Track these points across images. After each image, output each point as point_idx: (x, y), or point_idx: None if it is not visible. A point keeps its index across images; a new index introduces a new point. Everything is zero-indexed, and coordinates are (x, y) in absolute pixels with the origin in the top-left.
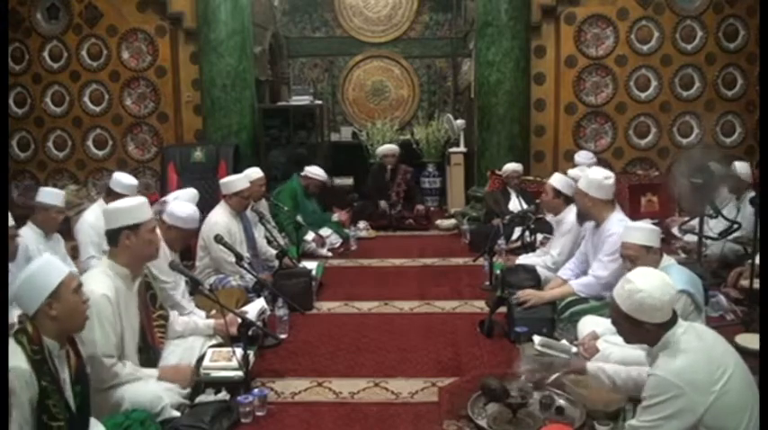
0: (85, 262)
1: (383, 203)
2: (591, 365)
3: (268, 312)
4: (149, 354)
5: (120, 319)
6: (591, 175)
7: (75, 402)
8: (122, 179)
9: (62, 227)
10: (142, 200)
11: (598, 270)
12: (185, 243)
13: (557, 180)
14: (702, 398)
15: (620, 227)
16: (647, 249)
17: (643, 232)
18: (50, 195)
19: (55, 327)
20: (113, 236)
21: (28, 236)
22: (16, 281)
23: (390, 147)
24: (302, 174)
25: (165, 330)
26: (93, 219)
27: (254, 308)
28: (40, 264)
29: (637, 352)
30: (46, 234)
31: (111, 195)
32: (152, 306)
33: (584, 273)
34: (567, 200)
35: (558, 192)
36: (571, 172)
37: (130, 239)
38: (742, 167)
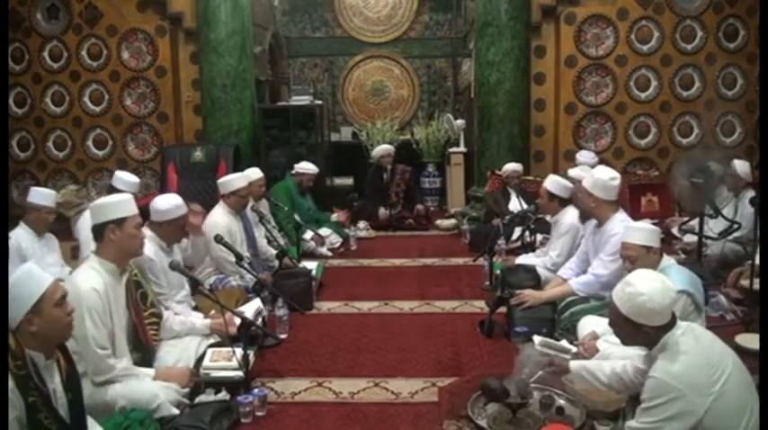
0: (86, 259)
1: (382, 210)
2: (573, 364)
3: (265, 312)
4: (144, 354)
5: (109, 313)
6: (597, 175)
7: (68, 410)
8: (125, 177)
9: (61, 227)
10: (127, 196)
11: (598, 268)
12: (185, 232)
13: (551, 183)
14: (701, 400)
15: (622, 227)
16: (647, 249)
17: (643, 232)
18: (41, 196)
19: (37, 342)
20: (99, 230)
21: (21, 236)
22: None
23: (387, 148)
24: (293, 172)
25: (158, 328)
26: None
27: (251, 308)
28: (20, 275)
29: (637, 351)
30: (38, 234)
31: (114, 193)
32: (143, 304)
33: (585, 272)
34: (563, 201)
35: (552, 195)
36: (572, 172)
37: (115, 233)
38: (741, 166)
